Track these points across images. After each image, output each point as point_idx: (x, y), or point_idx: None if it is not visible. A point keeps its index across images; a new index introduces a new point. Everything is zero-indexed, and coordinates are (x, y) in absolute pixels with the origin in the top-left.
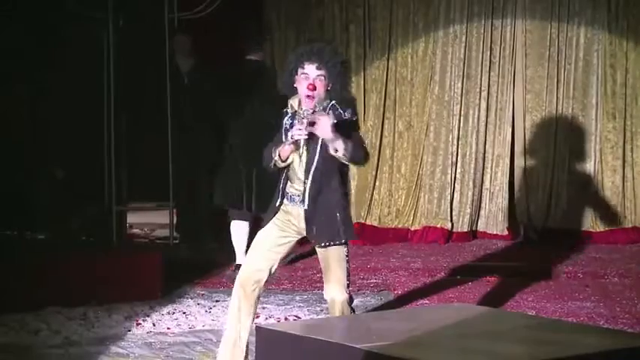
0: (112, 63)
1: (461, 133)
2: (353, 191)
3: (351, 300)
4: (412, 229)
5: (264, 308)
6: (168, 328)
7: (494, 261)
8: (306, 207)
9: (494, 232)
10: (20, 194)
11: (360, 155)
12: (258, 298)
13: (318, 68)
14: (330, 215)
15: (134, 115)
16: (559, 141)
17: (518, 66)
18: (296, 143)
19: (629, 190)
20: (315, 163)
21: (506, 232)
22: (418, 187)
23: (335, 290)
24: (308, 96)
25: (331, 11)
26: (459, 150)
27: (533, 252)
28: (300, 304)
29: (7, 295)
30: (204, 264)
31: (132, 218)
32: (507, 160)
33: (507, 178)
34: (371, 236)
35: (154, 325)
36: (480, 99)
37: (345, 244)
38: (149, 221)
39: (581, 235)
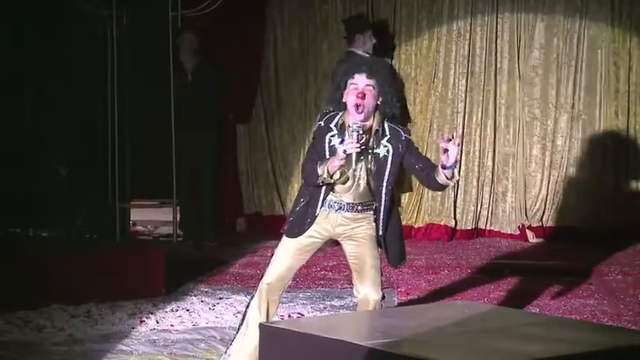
0: (116, 60)
1: (465, 130)
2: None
3: (382, 298)
4: (416, 226)
5: None
6: (171, 326)
7: (497, 259)
8: (381, 232)
9: (499, 230)
10: (24, 192)
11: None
12: (279, 302)
13: (368, 77)
14: (399, 237)
15: (138, 112)
16: (562, 139)
17: (522, 64)
18: (347, 157)
19: (633, 188)
20: (384, 186)
21: (516, 232)
22: (422, 185)
23: (371, 289)
24: (357, 105)
25: (334, 8)
26: (463, 147)
27: (537, 250)
28: (304, 302)
29: (11, 292)
30: (207, 261)
31: (135, 215)
32: (510, 158)
33: (512, 176)
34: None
35: (157, 322)
36: (483, 96)
37: None
38: (152, 218)
39: (584, 233)
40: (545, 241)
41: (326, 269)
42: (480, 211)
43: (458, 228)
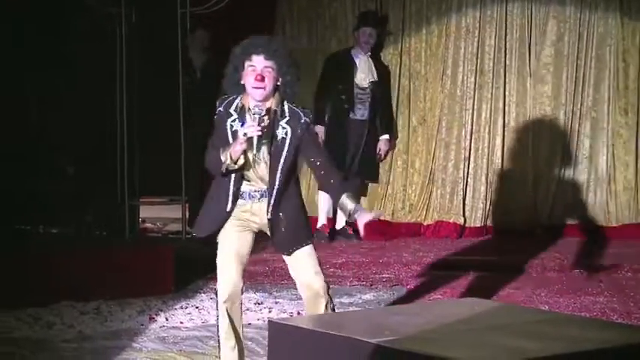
0: (125, 57)
1: (474, 128)
2: (367, 185)
3: (327, 287)
4: (425, 223)
5: (277, 303)
6: (181, 323)
7: (507, 256)
8: (269, 216)
9: (509, 227)
10: (33, 189)
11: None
12: (242, 303)
13: (266, 59)
14: (297, 221)
15: (147, 109)
16: (571, 136)
17: (531, 61)
18: (249, 141)
19: None
20: (279, 169)
21: (524, 228)
22: (431, 182)
23: (309, 276)
24: (256, 87)
25: (343, 5)
26: (472, 145)
27: (546, 247)
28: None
29: (20, 289)
30: (216, 258)
31: (144, 212)
32: (519, 156)
33: (520, 174)
34: (384, 231)
35: (166, 319)
36: (492, 94)
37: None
38: (161, 215)
39: (594, 231)
40: (555, 239)
41: (335, 266)
42: (490, 209)
43: (467, 225)
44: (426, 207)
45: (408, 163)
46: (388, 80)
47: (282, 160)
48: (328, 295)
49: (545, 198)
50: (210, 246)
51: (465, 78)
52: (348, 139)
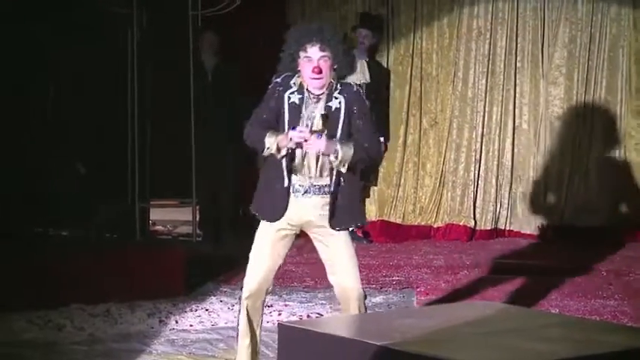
0: (136, 59)
1: (484, 130)
2: (376, 188)
3: (364, 296)
4: (435, 226)
5: (286, 305)
6: (190, 325)
7: (517, 259)
8: (331, 189)
9: (519, 230)
10: (43, 191)
11: (365, 157)
12: (264, 302)
13: (321, 49)
14: (353, 199)
15: (158, 111)
16: (582, 138)
17: (543, 63)
18: (299, 145)
19: None
20: (338, 138)
21: (535, 231)
22: (442, 185)
23: (348, 279)
24: (314, 79)
25: (354, 7)
26: (483, 147)
27: (557, 250)
28: (323, 302)
29: (31, 291)
30: (226, 261)
31: (155, 215)
32: (531, 158)
33: (531, 176)
34: (394, 233)
35: (176, 322)
36: (503, 96)
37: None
38: (172, 218)
39: (605, 233)
40: (565, 241)
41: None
42: (500, 211)
43: (477, 228)
44: (436, 209)
45: (418, 166)
46: (386, 82)
47: (339, 131)
48: (364, 304)
49: (557, 201)
50: (220, 249)
51: (476, 80)
52: None
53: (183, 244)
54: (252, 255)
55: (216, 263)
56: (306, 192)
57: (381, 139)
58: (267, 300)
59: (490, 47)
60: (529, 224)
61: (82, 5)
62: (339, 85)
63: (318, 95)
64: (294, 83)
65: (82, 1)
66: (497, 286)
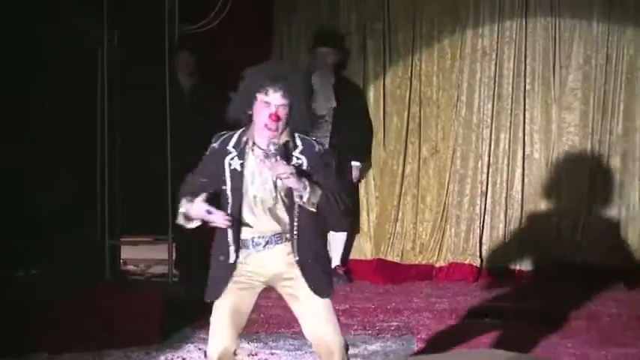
0: (107, 81)
1: (491, 159)
2: (372, 223)
3: (346, 347)
4: (437, 265)
5: (272, 354)
6: None
7: (528, 302)
8: (297, 257)
9: (530, 269)
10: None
11: (332, 199)
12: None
13: (284, 96)
14: (323, 262)
15: (130, 138)
16: (599, 169)
17: (555, 86)
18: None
19: None
20: (297, 209)
21: (547, 271)
22: (444, 219)
23: (333, 336)
24: (269, 128)
25: (347, 25)
26: (489, 178)
27: (574, 292)
28: (312, 350)
29: None
30: (206, 304)
31: (126, 253)
32: (543, 190)
33: (543, 210)
34: (392, 273)
35: None
36: (511, 122)
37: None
38: (145, 256)
39: (626, 274)
40: (581, 281)
41: (337, 313)
42: (509, 249)
43: (484, 268)
44: (438, 247)
45: (418, 198)
46: (359, 102)
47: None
48: (346, 355)
49: (571, 237)
50: (198, 290)
51: (482, 104)
52: None
53: (157, 286)
54: (213, 318)
55: (195, 307)
56: (267, 243)
57: (357, 163)
58: (251, 348)
59: (496, 68)
60: (540, 263)
61: (53, 22)
62: (299, 142)
63: (267, 152)
64: (233, 145)
65: (54, 18)
66: (506, 332)
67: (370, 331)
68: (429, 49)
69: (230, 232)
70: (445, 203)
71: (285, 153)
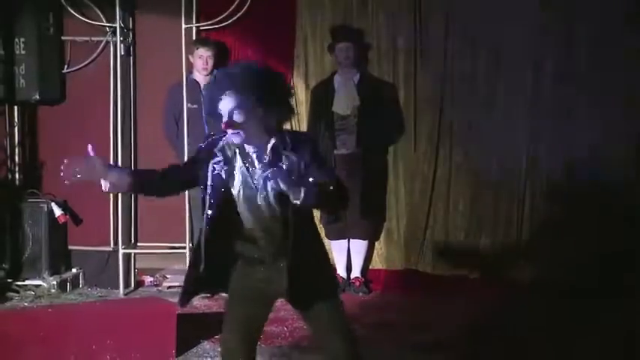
0: (120, 82)
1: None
2: (402, 231)
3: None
4: (471, 276)
5: None
6: None
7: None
8: (288, 263)
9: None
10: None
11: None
12: None
13: (231, 102)
14: (320, 269)
15: (146, 135)
16: None
17: (587, 81)
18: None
19: None
20: (291, 205)
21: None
22: (479, 228)
23: (341, 346)
24: (232, 133)
25: (375, 22)
26: (527, 183)
27: None
28: None
29: None
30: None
31: (141, 263)
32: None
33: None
34: (424, 285)
35: None
36: None
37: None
38: (161, 266)
39: None
40: None
41: (366, 327)
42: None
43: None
44: (473, 257)
45: (450, 205)
46: (388, 97)
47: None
48: None
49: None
50: (216, 301)
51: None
52: None
53: (174, 297)
54: (222, 336)
55: (215, 319)
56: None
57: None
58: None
59: None
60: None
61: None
62: (288, 140)
63: (257, 154)
64: (219, 149)
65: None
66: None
67: (402, 345)
68: (463, 47)
69: (202, 242)
70: (480, 211)
71: (277, 156)
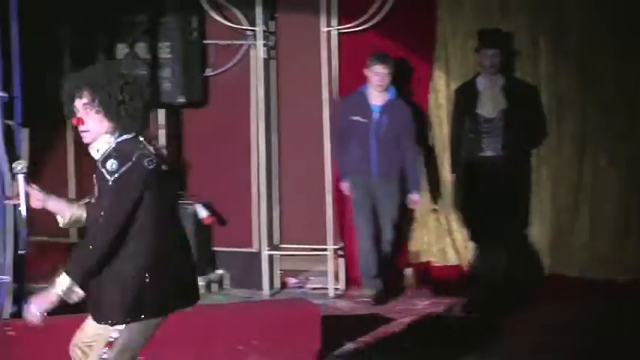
0: (263, 81)
1: None
2: (547, 236)
3: None
4: (621, 279)
5: None
6: None
7: None
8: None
9: None
10: None
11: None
12: None
13: (79, 97)
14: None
15: (291, 144)
16: None
17: None
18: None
19: None
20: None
21: None
22: (627, 232)
23: None
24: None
25: (517, 22)
26: None
27: None
28: None
29: None
30: (372, 319)
31: (285, 264)
32: None
33: None
34: (570, 288)
35: None
36: None
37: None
38: (305, 268)
39: None
40: None
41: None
42: None
43: None
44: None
45: (593, 209)
46: (532, 101)
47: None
48: None
49: None
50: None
51: None
52: (478, 180)
53: (318, 299)
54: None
55: (359, 321)
56: None
57: None
58: None
59: None
60: None
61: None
62: (112, 151)
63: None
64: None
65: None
66: None
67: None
68: (605, 46)
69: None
70: (628, 214)
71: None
